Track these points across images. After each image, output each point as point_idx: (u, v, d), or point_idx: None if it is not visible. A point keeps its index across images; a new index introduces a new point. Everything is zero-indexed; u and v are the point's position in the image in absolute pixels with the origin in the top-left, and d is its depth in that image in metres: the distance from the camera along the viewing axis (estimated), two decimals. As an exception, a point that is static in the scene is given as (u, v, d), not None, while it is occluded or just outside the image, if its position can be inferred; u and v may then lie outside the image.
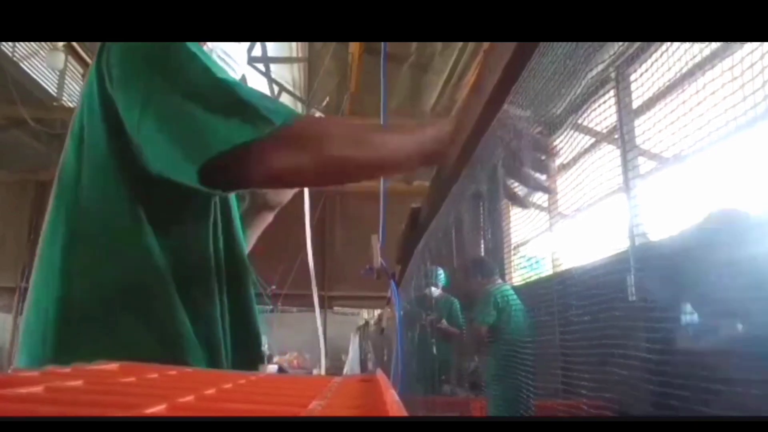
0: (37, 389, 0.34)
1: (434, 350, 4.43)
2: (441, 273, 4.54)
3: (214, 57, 0.97)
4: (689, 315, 2.28)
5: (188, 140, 0.72)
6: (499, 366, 3.53)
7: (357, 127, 0.80)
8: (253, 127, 0.71)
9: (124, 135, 0.78)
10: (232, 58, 1.00)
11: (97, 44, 0.84)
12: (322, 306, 9.12)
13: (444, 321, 4.34)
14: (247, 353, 0.92)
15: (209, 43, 0.97)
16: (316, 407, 0.34)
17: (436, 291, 4.49)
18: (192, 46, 0.81)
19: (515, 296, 3.74)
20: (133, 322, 0.78)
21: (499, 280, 3.96)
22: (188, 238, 0.85)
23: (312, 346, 8.80)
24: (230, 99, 0.73)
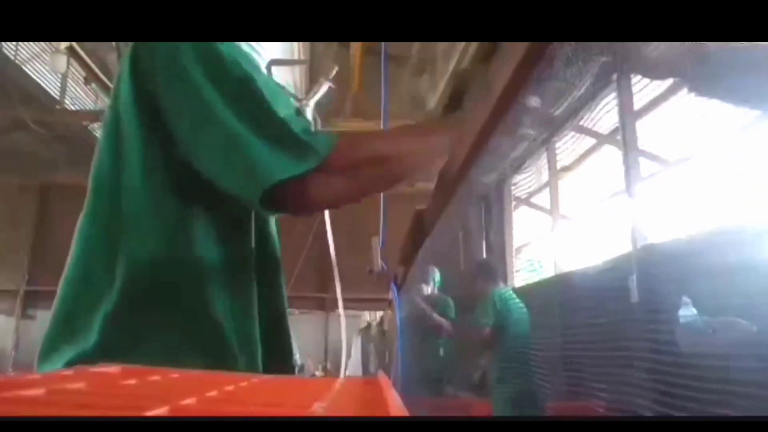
0: (39, 392, 0.34)
1: (440, 351, 4.43)
2: (436, 272, 4.55)
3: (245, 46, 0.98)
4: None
5: (246, 170, 0.74)
6: (501, 367, 3.52)
7: (391, 140, 0.85)
8: (304, 160, 0.74)
9: (168, 137, 0.79)
10: (261, 45, 1.00)
11: (98, 46, 0.84)
12: (323, 308, 9.12)
13: (435, 315, 4.35)
14: (280, 361, 0.91)
15: None
16: (318, 409, 0.34)
17: (427, 289, 4.50)
18: (242, 52, 0.82)
19: (515, 299, 3.73)
20: (174, 319, 0.78)
21: (501, 283, 3.96)
22: (232, 235, 0.86)
23: (314, 348, 8.79)
24: (283, 130, 0.75)
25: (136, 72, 0.80)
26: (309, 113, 1.32)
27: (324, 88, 1.42)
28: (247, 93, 0.77)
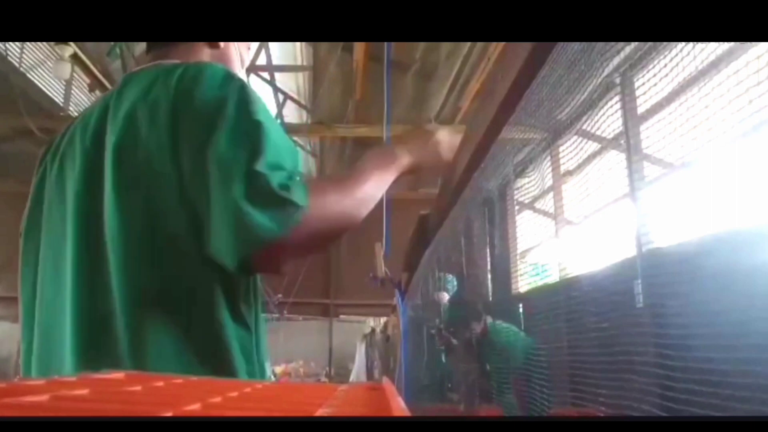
0: (43, 398, 0.34)
1: (442, 358, 4.40)
2: (454, 281, 4.50)
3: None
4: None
5: (233, 230, 0.73)
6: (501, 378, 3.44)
7: (348, 186, 0.85)
8: (285, 219, 0.73)
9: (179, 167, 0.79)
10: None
11: (102, 54, 0.84)
12: (326, 314, 9.13)
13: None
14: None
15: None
16: (322, 414, 0.34)
17: (445, 296, 4.45)
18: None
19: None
20: (180, 328, 0.78)
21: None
22: None
23: (317, 354, 8.78)
24: (267, 189, 0.73)
25: (175, 108, 0.80)
26: None
27: None
28: (254, 136, 0.76)
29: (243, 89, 0.82)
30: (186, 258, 0.79)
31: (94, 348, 0.77)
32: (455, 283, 4.53)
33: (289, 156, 0.80)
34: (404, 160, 0.95)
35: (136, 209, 0.80)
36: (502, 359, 3.49)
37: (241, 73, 1.03)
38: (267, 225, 0.72)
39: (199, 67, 0.84)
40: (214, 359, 0.77)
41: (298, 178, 0.79)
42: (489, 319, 3.75)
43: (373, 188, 0.88)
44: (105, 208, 0.81)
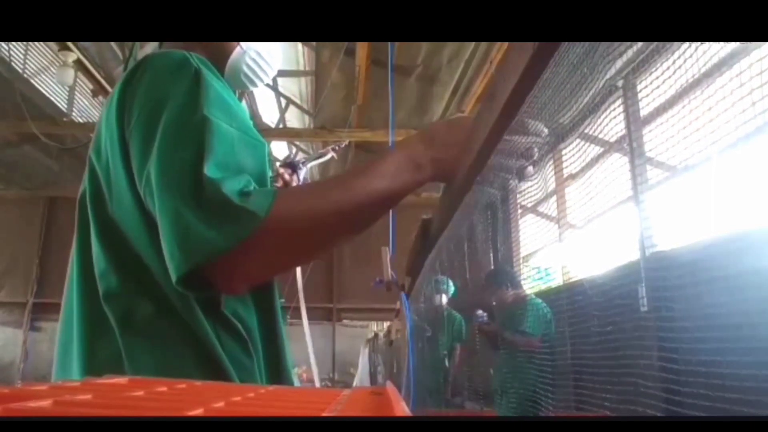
0: (46, 403, 0.34)
1: (446, 362, 4.40)
2: (449, 282, 4.51)
3: (248, 59, 0.93)
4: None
5: (174, 242, 0.66)
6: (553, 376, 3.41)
7: (332, 193, 0.73)
8: (234, 232, 0.64)
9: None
10: (265, 60, 0.95)
11: (106, 59, 0.83)
12: (329, 318, 9.10)
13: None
14: (275, 380, 0.83)
15: (244, 43, 0.92)
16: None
17: (444, 299, 4.45)
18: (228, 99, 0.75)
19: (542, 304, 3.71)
20: (163, 338, 0.73)
21: (520, 289, 3.91)
22: None
23: (320, 358, 8.76)
24: (216, 197, 0.64)
25: (121, 111, 0.76)
26: (304, 173, 1.29)
27: (327, 156, 1.42)
28: (200, 133, 0.68)
29: (196, 77, 0.74)
30: (153, 267, 0.73)
31: (98, 356, 0.75)
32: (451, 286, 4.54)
33: (250, 156, 0.72)
34: (426, 172, 0.77)
35: (105, 217, 0.77)
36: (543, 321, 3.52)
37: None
38: (212, 238, 0.63)
39: (156, 54, 0.78)
40: (202, 368, 0.72)
41: (267, 184, 0.73)
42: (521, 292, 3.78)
43: (371, 194, 0.73)
44: (90, 220, 0.79)
